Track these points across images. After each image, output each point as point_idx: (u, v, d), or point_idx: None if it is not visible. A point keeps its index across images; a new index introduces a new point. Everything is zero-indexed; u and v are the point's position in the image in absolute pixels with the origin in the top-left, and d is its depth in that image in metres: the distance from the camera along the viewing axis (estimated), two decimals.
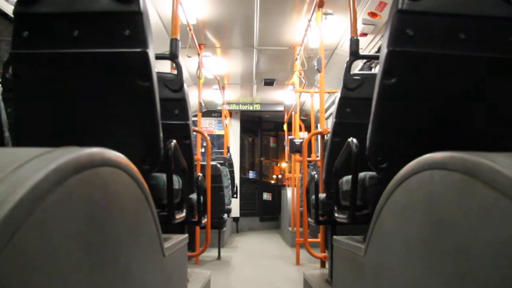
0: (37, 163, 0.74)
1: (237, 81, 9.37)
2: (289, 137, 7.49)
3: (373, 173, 2.02)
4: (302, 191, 5.49)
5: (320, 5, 4.78)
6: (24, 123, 1.84)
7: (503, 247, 0.80)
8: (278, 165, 13.07)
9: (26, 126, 1.86)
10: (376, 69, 2.52)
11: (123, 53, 1.75)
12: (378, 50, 5.41)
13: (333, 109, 3.03)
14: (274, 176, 12.99)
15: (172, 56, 2.87)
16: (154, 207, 1.40)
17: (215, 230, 5.87)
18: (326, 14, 5.25)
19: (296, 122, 7.57)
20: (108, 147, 0.99)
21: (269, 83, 9.06)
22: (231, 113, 11.23)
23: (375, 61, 5.66)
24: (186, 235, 2.38)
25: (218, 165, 6.35)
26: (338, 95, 2.97)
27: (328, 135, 3.16)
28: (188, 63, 7.06)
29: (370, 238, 1.61)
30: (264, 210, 11.98)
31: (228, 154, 9.71)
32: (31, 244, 0.67)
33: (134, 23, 1.73)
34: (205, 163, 5.23)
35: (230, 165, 8.79)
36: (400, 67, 1.74)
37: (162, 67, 5.27)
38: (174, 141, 2.14)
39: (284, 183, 11.39)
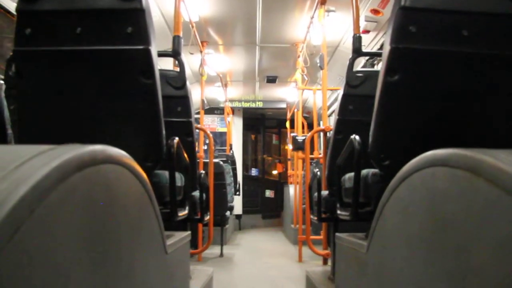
0: (40, 161, 0.74)
1: (240, 78, 9.36)
2: (292, 134, 7.48)
3: (376, 170, 2.02)
4: (305, 188, 5.49)
5: (323, 2, 4.78)
6: (26, 120, 1.85)
7: (505, 244, 0.80)
8: (281, 162, 13.05)
9: (28, 123, 1.86)
10: (379, 66, 2.51)
11: (126, 50, 1.75)
12: (381, 47, 5.41)
13: (336, 106, 3.03)
14: (275, 172, 12.95)
15: (175, 53, 2.88)
16: (156, 205, 1.40)
17: (217, 227, 5.87)
18: (328, 11, 5.24)
19: (299, 119, 7.57)
20: (110, 144, 0.99)
21: (271, 80, 9.06)
22: (233, 111, 11.21)
23: (378, 58, 5.64)
24: (189, 232, 2.38)
25: (221, 163, 6.35)
26: (340, 92, 2.97)
27: (331, 132, 3.16)
28: (190, 60, 7.05)
29: (372, 235, 1.61)
30: (266, 207, 11.97)
31: (231, 152, 9.70)
32: (34, 241, 0.67)
33: (136, 20, 1.73)
34: (207, 160, 5.23)
35: (233, 163, 8.80)
36: (403, 64, 1.73)
37: (164, 64, 5.27)
38: (177, 138, 2.15)
39: (286, 180, 11.39)
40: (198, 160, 3.66)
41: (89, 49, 1.75)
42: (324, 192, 2.96)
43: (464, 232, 0.93)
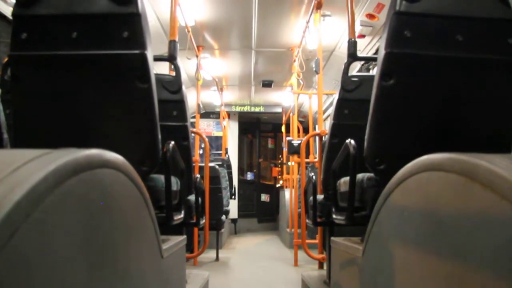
0: (36, 165, 0.74)
1: (235, 82, 9.36)
2: (287, 138, 7.49)
3: (371, 175, 2.02)
4: (300, 192, 5.49)
5: (318, 6, 4.78)
6: (22, 124, 1.84)
7: (500, 248, 0.80)
8: (277, 166, 13.03)
9: (24, 127, 1.86)
10: (374, 71, 2.52)
11: (122, 55, 1.75)
12: (376, 52, 5.42)
13: (331, 110, 3.03)
14: (271, 183, 12.93)
15: (171, 58, 2.88)
16: (152, 209, 1.40)
17: (213, 231, 5.86)
18: (324, 15, 5.26)
19: (294, 123, 7.57)
20: (106, 148, 0.99)
21: (267, 84, 9.05)
22: (229, 115, 11.22)
23: (373, 63, 5.66)
24: (184, 236, 2.38)
25: (216, 167, 6.35)
26: (336, 97, 2.97)
27: (326, 136, 3.16)
28: (186, 65, 7.05)
29: (368, 239, 1.62)
30: (262, 212, 11.96)
31: (226, 156, 9.71)
32: (30, 245, 0.67)
33: (132, 25, 1.73)
34: (203, 164, 5.22)
35: (228, 167, 8.80)
36: (398, 69, 1.74)
37: (160, 68, 5.27)
38: (173, 142, 2.14)
39: (282, 185, 11.39)
40: (193, 164, 3.66)
41: (85, 53, 1.75)
42: (320, 196, 2.96)
43: (459, 236, 0.94)
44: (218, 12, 5.77)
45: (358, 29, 5.40)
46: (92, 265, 0.90)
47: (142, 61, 1.75)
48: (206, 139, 5.20)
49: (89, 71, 1.80)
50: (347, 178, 2.19)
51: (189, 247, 4.95)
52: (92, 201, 0.91)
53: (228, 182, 7.85)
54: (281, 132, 10.10)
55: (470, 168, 0.91)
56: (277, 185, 12.33)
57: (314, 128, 6.82)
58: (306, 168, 5.52)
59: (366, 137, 1.86)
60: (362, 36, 5.60)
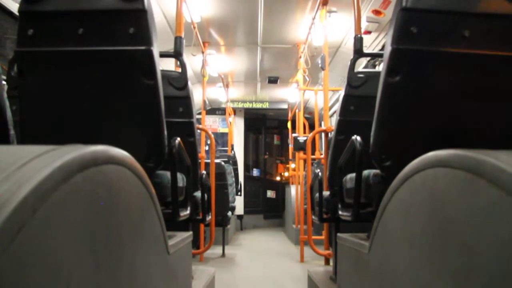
0: (42, 161, 0.74)
1: (241, 79, 9.37)
2: (293, 134, 7.48)
3: (377, 171, 2.02)
4: (306, 189, 5.49)
5: (324, 2, 4.78)
6: (29, 121, 1.85)
7: (507, 245, 0.80)
8: (287, 164, 13.03)
9: (31, 124, 1.86)
10: (380, 67, 2.51)
11: (128, 51, 1.75)
12: (382, 48, 5.40)
13: (337, 107, 3.03)
14: (278, 178, 12.93)
15: (177, 54, 2.88)
16: (158, 205, 1.40)
17: (219, 227, 5.87)
18: (330, 11, 5.25)
19: (300, 120, 7.56)
20: (112, 144, 0.99)
21: (273, 81, 9.04)
22: (235, 111, 11.22)
23: (379, 59, 5.64)
24: (191, 232, 2.38)
25: (222, 163, 6.36)
26: (342, 93, 2.97)
27: (332, 133, 3.16)
28: (192, 61, 7.06)
29: (374, 236, 1.61)
30: (268, 208, 11.97)
31: (232, 152, 9.72)
32: (36, 241, 0.67)
33: (138, 21, 1.73)
34: (209, 161, 5.23)
35: (234, 163, 8.80)
36: (404, 65, 1.73)
37: (166, 65, 5.27)
38: (178, 139, 2.15)
39: (288, 181, 11.39)
40: (199, 161, 3.66)
41: (91, 49, 1.75)
42: (326, 193, 2.96)
43: (465, 232, 0.93)
44: (224, 8, 5.77)
45: (364, 25, 5.40)
46: (98, 261, 0.90)
47: (148, 57, 1.76)
48: (212, 136, 5.20)
49: (95, 67, 1.81)
50: (353, 175, 2.19)
51: (195, 243, 4.94)
52: (98, 197, 0.91)
53: (234, 179, 7.86)
54: (287, 129, 10.10)
55: (476, 164, 0.90)
56: (283, 181, 12.33)
57: (320, 125, 6.82)
58: (312, 164, 5.51)
59: (372, 133, 1.86)
60: (368, 32, 5.58)
